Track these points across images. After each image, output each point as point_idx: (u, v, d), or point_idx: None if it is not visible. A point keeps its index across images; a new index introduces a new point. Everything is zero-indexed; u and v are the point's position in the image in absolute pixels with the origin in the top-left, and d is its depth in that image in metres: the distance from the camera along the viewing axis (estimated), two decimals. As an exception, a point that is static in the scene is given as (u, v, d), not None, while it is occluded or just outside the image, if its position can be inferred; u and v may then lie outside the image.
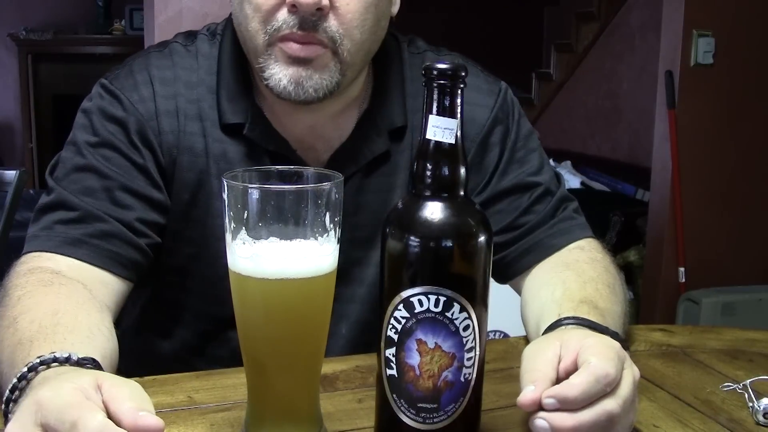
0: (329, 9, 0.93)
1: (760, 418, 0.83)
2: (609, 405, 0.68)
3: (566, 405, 0.67)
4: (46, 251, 0.93)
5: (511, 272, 1.08)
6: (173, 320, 1.11)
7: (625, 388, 0.70)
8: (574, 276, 0.97)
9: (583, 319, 0.84)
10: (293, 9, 0.93)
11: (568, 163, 4.46)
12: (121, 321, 1.01)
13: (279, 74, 0.95)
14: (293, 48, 0.94)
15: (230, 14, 1.06)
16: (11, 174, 1.70)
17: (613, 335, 0.83)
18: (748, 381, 0.91)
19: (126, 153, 0.99)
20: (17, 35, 5.24)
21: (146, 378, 0.88)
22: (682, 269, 3.09)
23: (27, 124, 5.35)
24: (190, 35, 1.09)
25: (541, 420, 0.68)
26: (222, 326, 1.05)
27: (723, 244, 3.13)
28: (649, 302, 3.23)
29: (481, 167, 1.09)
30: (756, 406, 0.84)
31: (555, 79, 4.98)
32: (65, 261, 0.93)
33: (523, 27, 5.45)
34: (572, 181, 4.22)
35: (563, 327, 0.83)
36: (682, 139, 3.04)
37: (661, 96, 3.09)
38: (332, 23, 0.94)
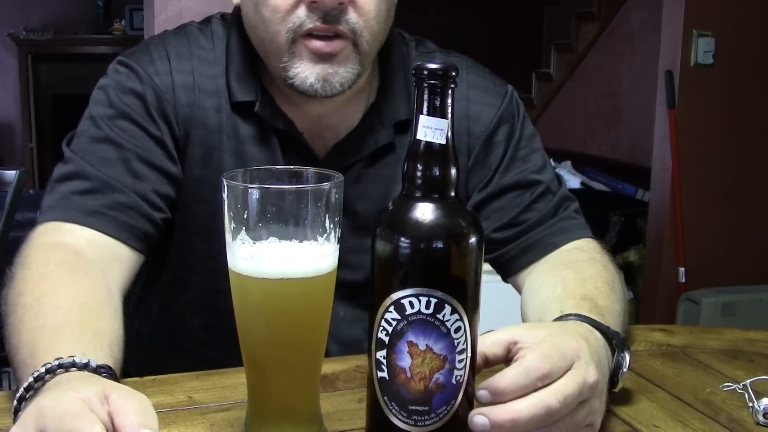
0: (348, 2, 0.95)
1: (760, 418, 0.83)
2: (546, 398, 0.68)
3: (496, 396, 0.68)
4: (64, 221, 0.94)
5: (511, 269, 1.09)
6: (179, 299, 1.11)
7: (569, 386, 0.69)
8: (573, 274, 0.97)
9: (585, 316, 0.84)
10: (313, 5, 0.94)
11: (568, 163, 4.46)
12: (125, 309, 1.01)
13: (305, 72, 0.97)
14: (318, 45, 0.96)
15: (233, 15, 1.08)
16: (11, 174, 1.71)
17: (614, 335, 0.83)
18: (748, 381, 0.91)
19: (142, 124, 1.00)
20: (17, 35, 5.23)
21: (146, 378, 0.88)
22: (682, 269, 3.09)
23: (27, 124, 5.34)
24: (205, 20, 1.11)
25: (480, 416, 0.67)
26: (227, 305, 1.06)
27: (723, 244, 3.13)
28: (649, 302, 3.23)
29: (484, 164, 1.10)
30: (756, 406, 0.84)
31: (555, 79, 4.98)
32: (83, 233, 0.93)
33: (523, 27, 5.45)
34: (572, 181, 4.22)
35: (565, 321, 0.84)
36: (682, 139, 3.04)
37: (661, 96, 3.09)
38: (352, 16, 0.96)
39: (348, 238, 1.05)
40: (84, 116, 1.03)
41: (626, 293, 1.01)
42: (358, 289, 1.08)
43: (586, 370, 0.71)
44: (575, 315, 0.84)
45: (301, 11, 0.95)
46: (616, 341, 0.83)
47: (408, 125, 1.08)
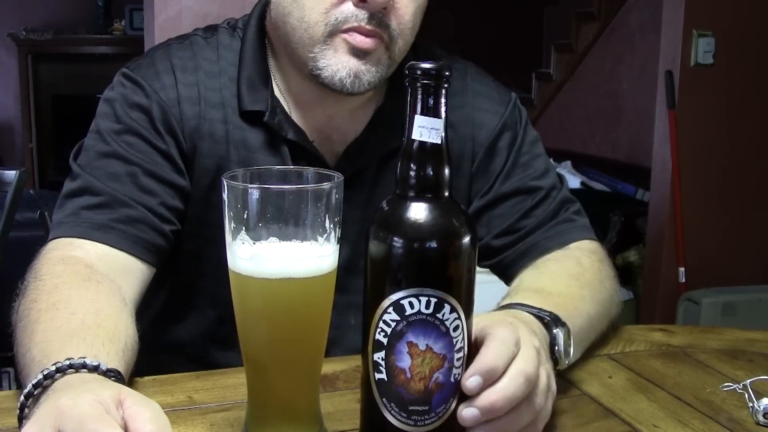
0: (391, 8, 0.96)
1: (760, 418, 0.83)
2: (519, 366, 0.69)
3: (488, 374, 0.67)
4: (74, 237, 0.94)
5: (509, 275, 1.10)
6: (187, 306, 1.11)
7: (529, 351, 0.71)
8: (531, 271, 1.01)
9: (515, 303, 0.87)
10: (361, 3, 0.94)
11: (568, 163, 4.46)
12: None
13: (337, 65, 0.96)
14: (358, 39, 0.95)
15: (254, 11, 1.08)
16: (11, 174, 1.70)
17: (547, 315, 0.85)
18: (748, 381, 0.91)
19: (149, 139, 1.01)
20: (17, 35, 5.24)
21: (146, 378, 0.88)
22: (682, 269, 3.09)
23: (27, 124, 5.34)
24: (210, 28, 1.10)
25: (468, 408, 0.68)
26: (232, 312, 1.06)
27: (723, 244, 3.13)
28: (649, 302, 3.23)
29: (487, 171, 1.11)
30: (756, 406, 0.84)
31: (555, 79, 4.98)
32: (94, 248, 0.93)
33: (523, 27, 5.45)
34: (572, 181, 4.22)
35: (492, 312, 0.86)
36: (682, 139, 3.04)
37: (661, 96, 3.09)
38: (392, 22, 0.97)
39: (358, 243, 1.04)
40: (91, 130, 1.03)
41: (603, 284, 1.03)
42: None
43: (529, 337, 0.74)
44: (508, 305, 0.87)
45: (347, 7, 0.95)
46: (547, 320, 0.84)
47: None
